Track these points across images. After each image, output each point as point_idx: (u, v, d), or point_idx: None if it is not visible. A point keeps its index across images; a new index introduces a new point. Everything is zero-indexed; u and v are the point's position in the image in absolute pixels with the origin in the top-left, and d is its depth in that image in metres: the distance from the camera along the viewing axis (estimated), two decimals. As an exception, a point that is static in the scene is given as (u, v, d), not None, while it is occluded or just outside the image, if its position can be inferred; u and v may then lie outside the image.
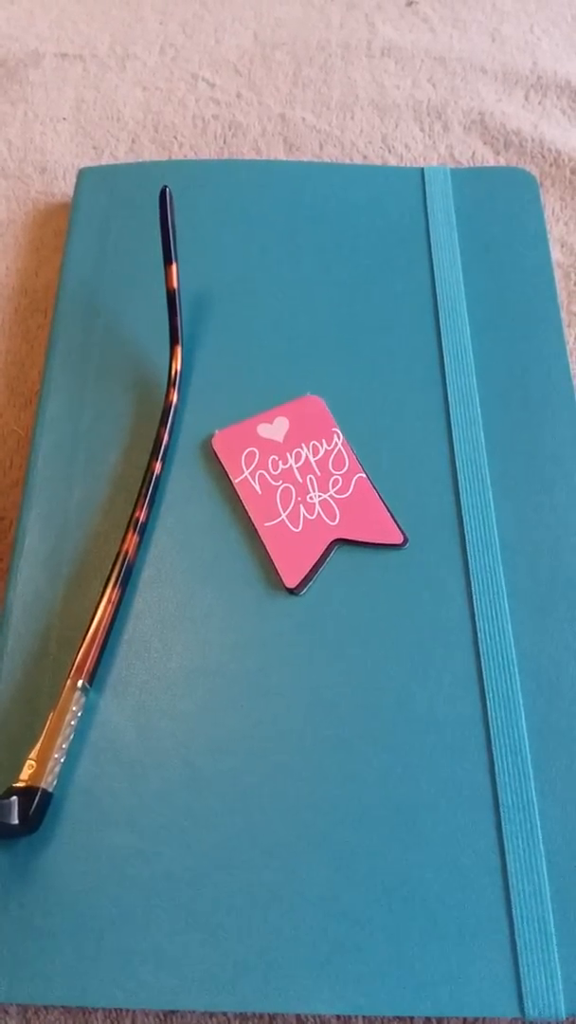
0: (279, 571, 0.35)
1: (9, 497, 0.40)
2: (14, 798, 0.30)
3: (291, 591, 0.35)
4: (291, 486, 0.38)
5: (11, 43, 0.57)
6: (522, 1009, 0.28)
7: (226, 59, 0.57)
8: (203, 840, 0.31)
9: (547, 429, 0.39)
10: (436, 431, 0.39)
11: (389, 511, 0.37)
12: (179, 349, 0.40)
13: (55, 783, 0.31)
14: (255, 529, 0.37)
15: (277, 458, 0.38)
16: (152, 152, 0.52)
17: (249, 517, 0.37)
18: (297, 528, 0.36)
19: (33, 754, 0.31)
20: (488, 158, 0.52)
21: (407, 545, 0.36)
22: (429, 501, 0.38)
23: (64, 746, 0.31)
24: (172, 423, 0.39)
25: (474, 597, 0.35)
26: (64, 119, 0.53)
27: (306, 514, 0.37)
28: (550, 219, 0.49)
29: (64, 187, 0.50)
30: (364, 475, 0.38)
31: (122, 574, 0.35)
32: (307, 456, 0.38)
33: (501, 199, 0.47)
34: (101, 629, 0.33)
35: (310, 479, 0.38)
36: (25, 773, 0.30)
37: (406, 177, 0.47)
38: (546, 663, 0.34)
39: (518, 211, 0.46)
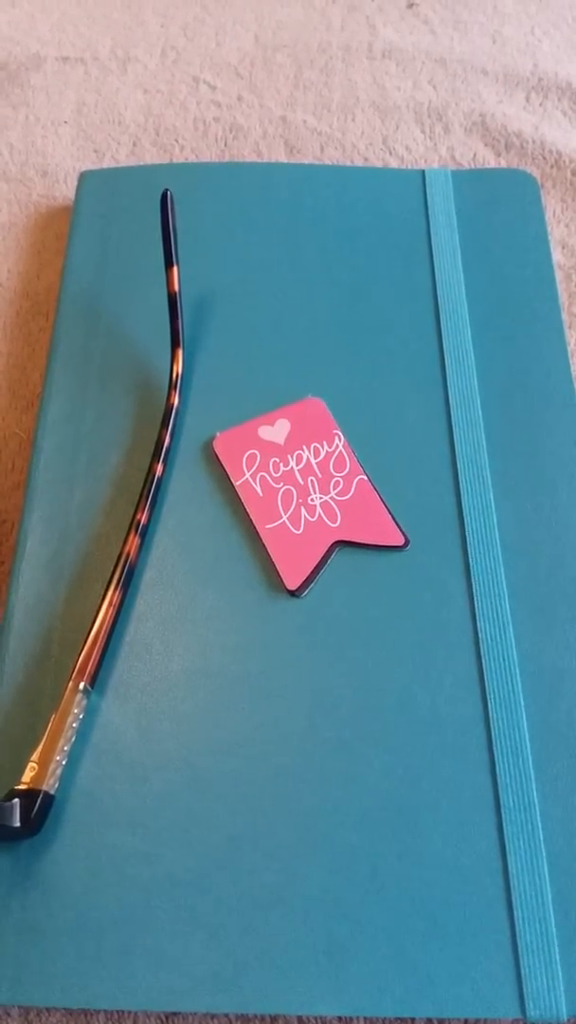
0: (280, 573, 0.36)
1: (11, 499, 0.40)
2: (16, 800, 0.30)
3: (292, 593, 0.35)
4: (292, 488, 0.38)
5: (12, 46, 0.57)
6: (523, 1010, 0.28)
7: (227, 62, 0.57)
8: (204, 841, 0.31)
9: (548, 430, 0.39)
10: (437, 433, 0.39)
11: (390, 513, 0.37)
12: (180, 352, 0.40)
13: (57, 785, 0.31)
14: (256, 531, 0.37)
15: (278, 460, 0.38)
16: (153, 155, 0.52)
17: (250, 519, 0.37)
18: (298, 530, 0.37)
19: (35, 756, 0.31)
20: (489, 160, 0.52)
21: (408, 547, 0.36)
22: (430, 502, 0.38)
23: (66, 748, 0.31)
24: (173, 425, 0.39)
25: (475, 598, 0.35)
26: (65, 122, 0.54)
27: (307, 516, 0.37)
28: (551, 220, 0.49)
29: (65, 190, 0.50)
30: (365, 477, 0.38)
31: (123, 576, 0.35)
32: (308, 458, 0.38)
33: (502, 201, 0.47)
34: (103, 631, 0.34)
35: (311, 481, 0.38)
36: (27, 775, 0.30)
37: (407, 179, 0.47)
38: (547, 664, 0.34)
39: (519, 213, 0.46)
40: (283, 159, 0.52)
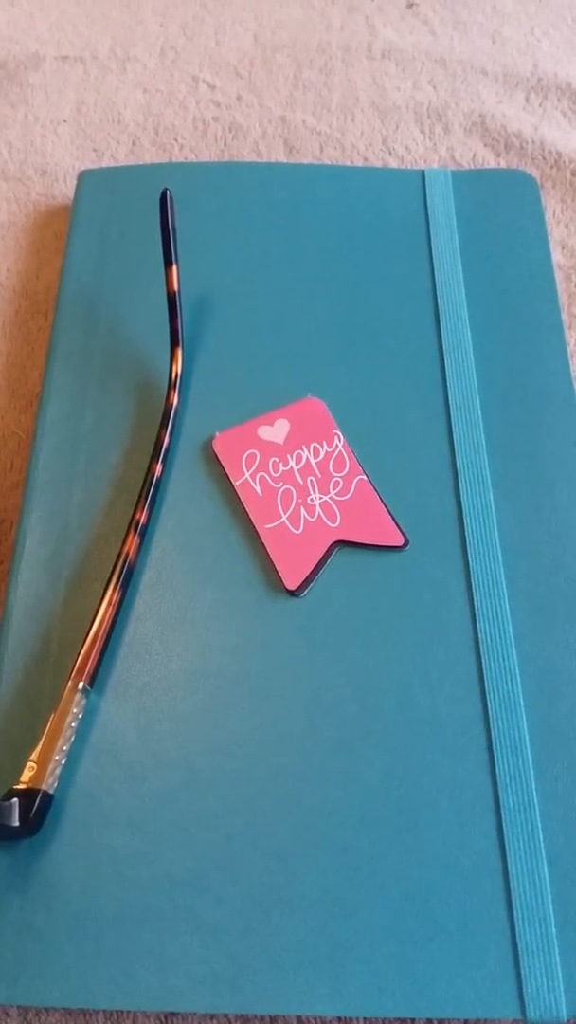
0: (280, 573, 0.36)
1: (10, 499, 0.40)
2: (15, 800, 0.30)
3: (292, 593, 0.35)
4: (292, 488, 0.38)
5: (11, 45, 0.57)
6: (523, 1010, 0.28)
7: (226, 61, 0.57)
8: (204, 841, 0.31)
9: (547, 430, 0.39)
10: (437, 433, 0.39)
11: (390, 513, 0.37)
12: (180, 351, 0.40)
13: (56, 785, 0.31)
14: (256, 531, 0.37)
15: (278, 460, 0.38)
16: (152, 154, 0.52)
17: (250, 519, 0.37)
18: (298, 530, 0.36)
19: (34, 756, 0.31)
20: (489, 160, 0.52)
21: (408, 547, 0.36)
22: (430, 503, 0.38)
23: (65, 748, 0.31)
24: (173, 425, 0.39)
25: (475, 598, 0.35)
26: (64, 121, 0.53)
27: (307, 516, 0.37)
28: (551, 221, 0.49)
29: (65, 189, 0.50)
30: (365, 477, 0.38)
31: (123, 576, 0.35)
32: (308, 458, 0.38)
33: (502, 201, 0.47)
34: (102, 631, 0.33)
35: (311, 481, 0.38)
36: (26, 775, 0.30)
37: (407, 179, 0.47)
38: (547, 664, 0.34)
39: (519, 213, 0.46)
40: (282, 159, 0.52)
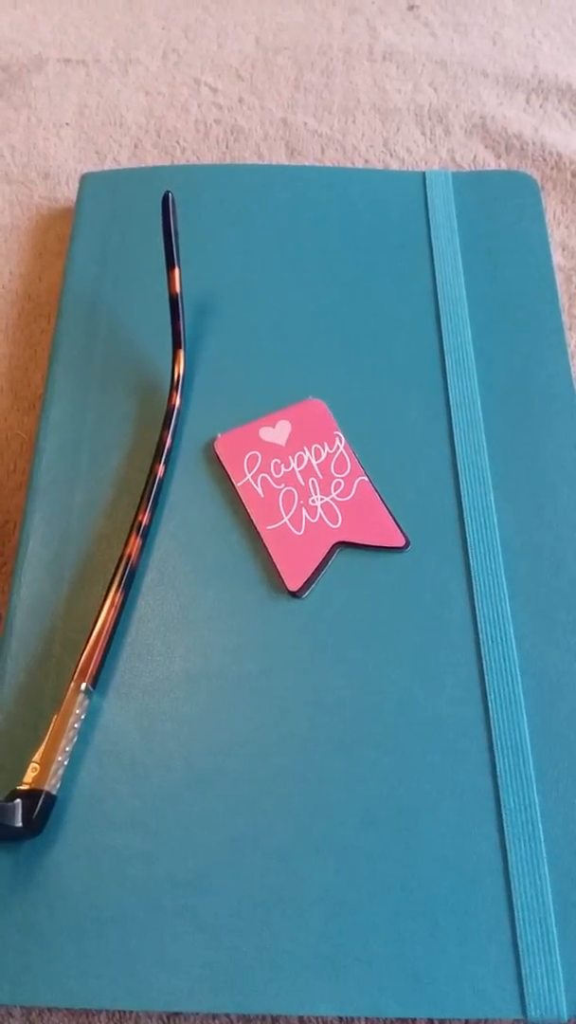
0: (281, 574, 0.36)
1: (12, 500, 0.40)
2: (18, 801, 0.30)
3: (293, 594, 0.35)
4: (293, 489, 0.38)
5: (14, 48, 0.57)
6: (524, 1010, 0.28)
7: (228, 64, 0.57)
8: (206, 841, 0.31)
9: (548, 432, 0.39)
10: (438, 434, 0.39)
11: (391, 514, 0.37)
12: (182, 353, 0.40)
13: (58, 786, 0.31)
14: (257, 532, 0.37)
15: (279, 461, 0.38)
16: (155, 157, 0.52)
17: (251, 520, 0.37)
18: (299, 531, 0.37)
19: (36, 757, 0.31)
20: (489, 162, 0.52)
21: (409, 548, 0.37)
22: (431, 504, 0.38)
23: (67, 749, 0.31)
24: (175, 427, 0.39)
25: (476, 599, 0.35)
26: (67, 124, 0.54)
27: (308, 517, 0.37)
28: (551, 222, 0.49)
29: (67, 192, 0.51)
30: (366, 478, 0.38)
31: (125, 577, 0.35)
32: (309, 459, 0.39)
33: (502, 203, 0.47)
34: (104, 632, 0.34)
35: (312, 482, 0.38)
36: (29, 776, 0.30)
37: (407, 181, 0.47)
38: (548, 665, 0.34)
39: (519, 215, 0.46)
40: (284, 161, 0.52)
